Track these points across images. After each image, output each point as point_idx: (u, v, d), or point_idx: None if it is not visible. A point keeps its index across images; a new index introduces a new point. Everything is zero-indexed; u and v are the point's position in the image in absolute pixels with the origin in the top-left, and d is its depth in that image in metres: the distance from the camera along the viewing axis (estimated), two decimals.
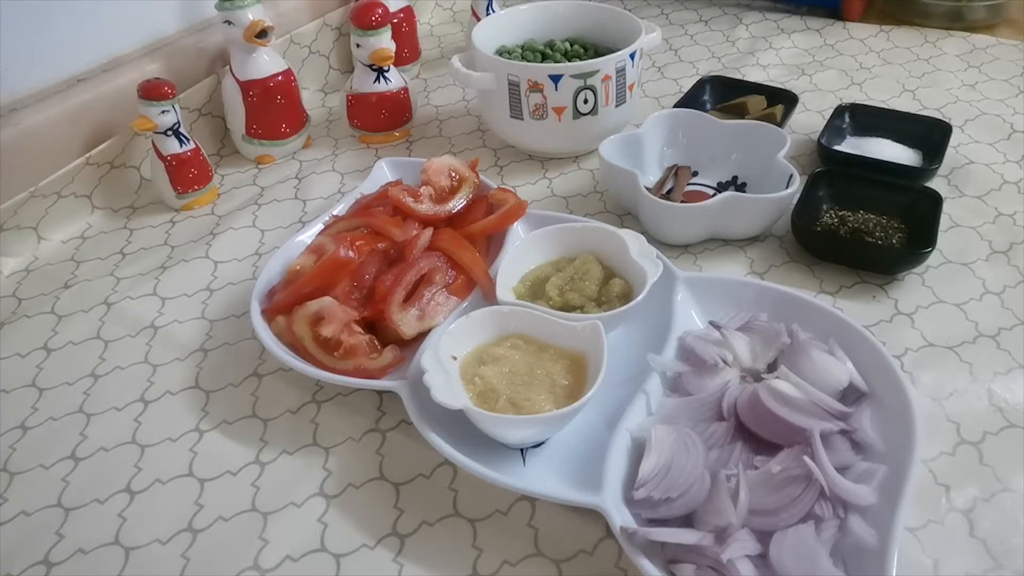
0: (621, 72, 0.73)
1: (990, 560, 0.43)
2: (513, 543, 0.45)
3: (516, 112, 0.74)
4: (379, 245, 0.59)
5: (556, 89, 0.72)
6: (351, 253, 0.57)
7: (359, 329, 0.55)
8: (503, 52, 0.80)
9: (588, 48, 0.82)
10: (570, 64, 0.72)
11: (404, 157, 0.79)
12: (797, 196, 0.65)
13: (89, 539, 0.47)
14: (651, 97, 0.89)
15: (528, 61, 0.78)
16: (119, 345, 0.61)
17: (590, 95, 0.73)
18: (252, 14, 0.75)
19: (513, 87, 0.73)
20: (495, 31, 0.81)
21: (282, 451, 0.52)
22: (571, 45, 0.82)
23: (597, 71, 0.72)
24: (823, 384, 0.49)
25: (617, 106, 0.75)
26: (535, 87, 0.72)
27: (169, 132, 0.72)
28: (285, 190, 0.78)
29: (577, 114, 0.74)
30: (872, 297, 0.60)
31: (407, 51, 0.96)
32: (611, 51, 0.76)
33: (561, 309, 0.55)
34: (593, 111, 0.74)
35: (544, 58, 0.80)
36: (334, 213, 0.65)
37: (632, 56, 0.74)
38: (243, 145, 0.82)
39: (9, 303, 0.66)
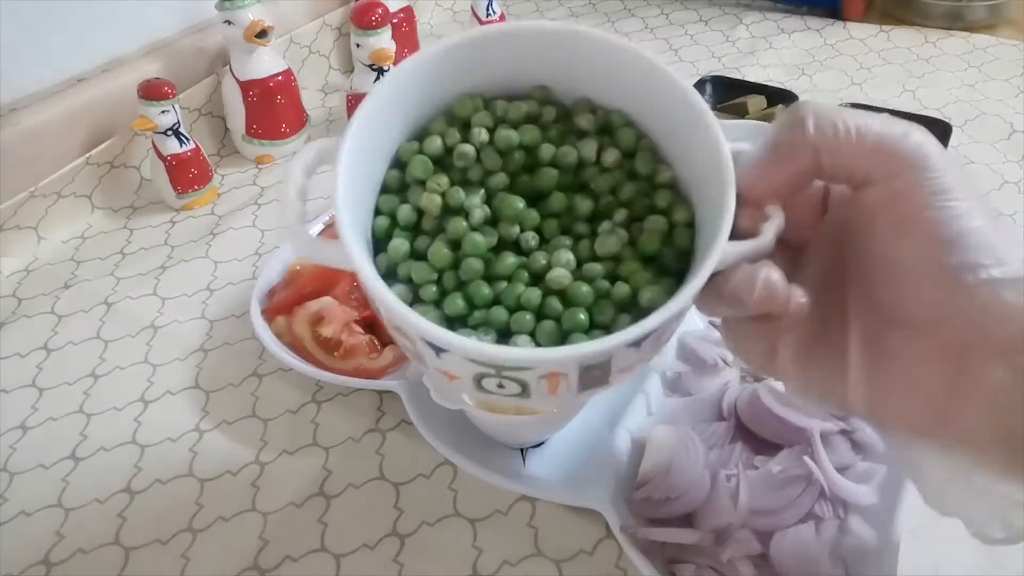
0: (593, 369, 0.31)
1: (990, 560, 0.43)
2: (513, 543, 0.45)
3: None
4: None
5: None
6: None
7: (359, 329, 0.55)
8: (406, 161, 0.33)
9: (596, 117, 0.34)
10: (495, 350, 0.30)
11: None
12: None
13: (89, 539, 0.47)
14: None
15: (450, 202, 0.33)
16: (119, 345, 0.61)
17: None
18: (252, 14, 0.75)
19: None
20: (398, 101, 0.34)
21: (282, 451, 0.52)
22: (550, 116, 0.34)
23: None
24: None
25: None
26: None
27: (169, 132, 0.72)
28: None
29: None
30: None
31: (407, 51, 0.96)
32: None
33: None
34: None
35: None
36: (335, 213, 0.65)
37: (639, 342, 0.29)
38: (243, 145, 0.82)
39: (9, 303, 0.66)
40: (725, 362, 0.51)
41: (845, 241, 0.30)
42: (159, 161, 0.73)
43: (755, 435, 0.47)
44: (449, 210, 0.32)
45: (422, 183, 0.32)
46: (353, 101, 0.82)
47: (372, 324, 0.56)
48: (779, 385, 0.48)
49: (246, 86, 0.78)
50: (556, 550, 0.45)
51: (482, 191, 0.32)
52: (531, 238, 0.31)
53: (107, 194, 0.75)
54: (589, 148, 0.33)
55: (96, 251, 0.71)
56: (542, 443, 0.50)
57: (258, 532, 0.47)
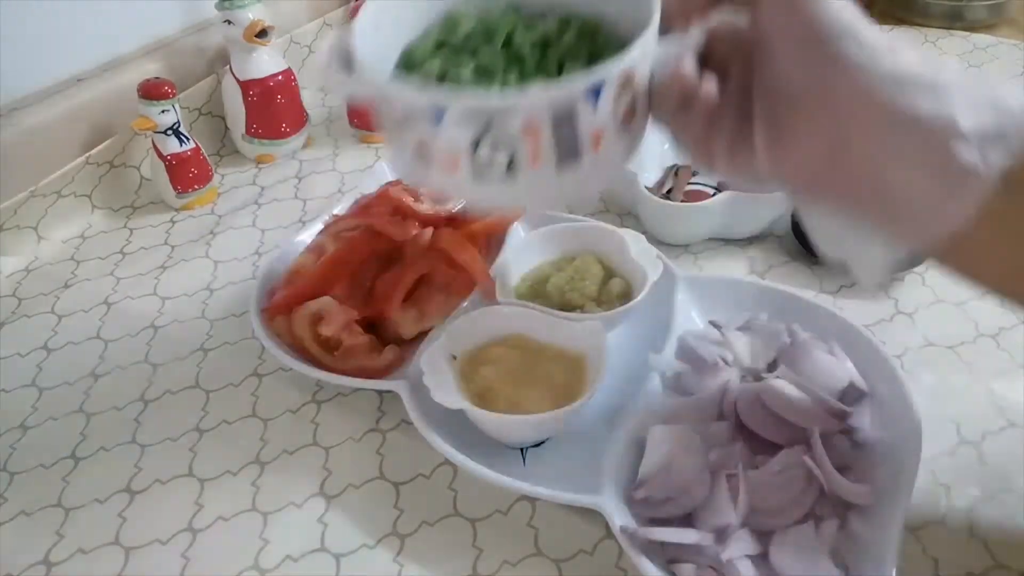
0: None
1: (990, 560, 0.43)
2: (513, 543, 0.45)
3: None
4: (378, 246, 0.59)
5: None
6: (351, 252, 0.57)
7: (359, 329, 0.55)
8: (411, 61, 0.38)
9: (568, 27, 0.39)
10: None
11: None
12: None
13: (89, 539, 0.47)
14: None
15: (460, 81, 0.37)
16: (119, 345, 0.61)
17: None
18: (252, 14, 0.75)
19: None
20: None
21: (282, 451, 0.52)
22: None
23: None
24: (823, 384, 0.49)
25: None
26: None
27: (169, 132, 0.72)
28: (285, 190, 0.78)
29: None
30: (872, 297, 0.60)
31: None
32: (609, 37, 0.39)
33: (561, 309, 0.55)
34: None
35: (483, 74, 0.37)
36: (334, 213, 0.65)
37: (597, 91, 0.33)
38: (243, 145, 0.82)
39: (9, 303, 0.66)
40: (725, 362, 0.51)
41: (752, 49, 0.35)
42: (159, 161, 0.73)
43: (755, 435, 0.47)
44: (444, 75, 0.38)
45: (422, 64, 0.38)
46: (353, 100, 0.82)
47: (372, 324, 0.56)
48: (779, 385, 0.48)
49: (246, 86, 0.78)
50: (556, 550, 0.45)
51: (472, 65, 0.38)
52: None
53: (107, 194, 0.75)
54: (551, 24, 0.39)
55: (96, 251, 0.71)
56: (542, 443, 0.50)
57: (258, 532, 0.47)
